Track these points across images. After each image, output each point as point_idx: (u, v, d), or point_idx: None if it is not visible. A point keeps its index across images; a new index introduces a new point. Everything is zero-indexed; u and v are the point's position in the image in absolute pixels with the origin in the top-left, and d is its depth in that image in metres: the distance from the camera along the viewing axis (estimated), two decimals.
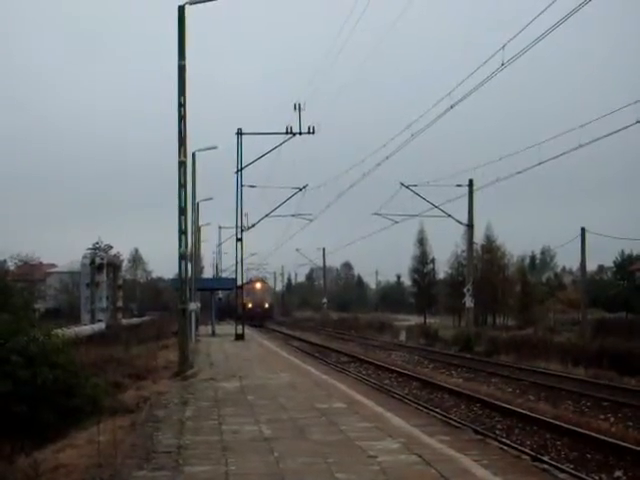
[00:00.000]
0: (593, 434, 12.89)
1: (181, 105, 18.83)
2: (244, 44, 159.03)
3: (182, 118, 18.85)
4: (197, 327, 38.77)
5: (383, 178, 41.16)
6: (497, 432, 13.89)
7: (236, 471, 7.60)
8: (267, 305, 77.63)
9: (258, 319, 67.64)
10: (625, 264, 71.75)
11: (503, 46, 18.28)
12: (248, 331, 42.43)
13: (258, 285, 78.35)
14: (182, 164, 19.06)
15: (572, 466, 10.73)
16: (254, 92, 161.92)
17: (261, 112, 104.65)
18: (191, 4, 18.76)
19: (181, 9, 18.71)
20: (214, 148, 33.78)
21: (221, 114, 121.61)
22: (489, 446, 9.49)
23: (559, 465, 10.15)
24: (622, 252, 74.30)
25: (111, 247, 49.76)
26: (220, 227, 65.18)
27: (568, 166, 61.15)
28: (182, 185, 19.14)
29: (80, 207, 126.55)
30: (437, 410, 15.94)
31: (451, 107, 22.53)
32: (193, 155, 30.57)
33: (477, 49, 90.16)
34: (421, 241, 74.91)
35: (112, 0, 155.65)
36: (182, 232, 19.24)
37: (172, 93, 18.82)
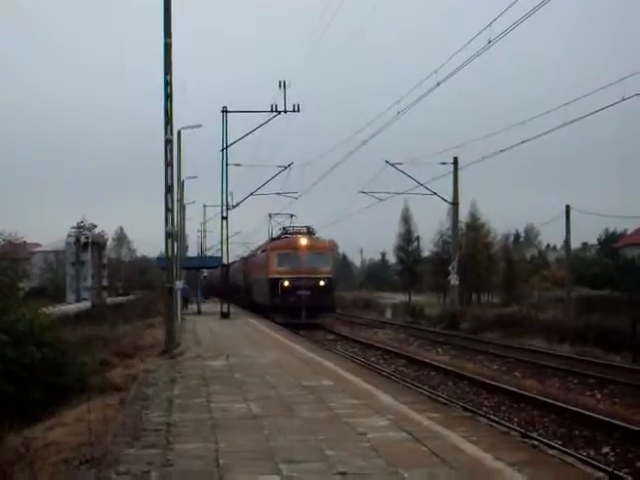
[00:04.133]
0: (580, 410, 13.06)
1: (167, 84, 18.71)
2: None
3: (168, 96, 18.72)
4: (186, 306, 40.70)
5: (369, 156, 41.48)
6: (485, 409, 14.07)
7: (226, 448, 7.59)
8: (324, 283, 35.52)
9: (306, 310, 34.41)
10: (609, 242, 72.51)
11: (490, 24, 17.86)
12: (234, 309, 42.39)
13: (308, 242, 36.44)
14: (168, 142, 19.00)
15: (560, 442, 10.88)
16: (242, 69, 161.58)
17: (249, 90, 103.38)
18: None
19: None
20: (198, 126, 33.54)
21: (207, 92, 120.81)
22: (478, 423, 9.62)
23: (548, 441, 10.28)
24: (606, 230, 75.17)
25: (95, 226, 47.81)
26: (205, 206, 64.14)
27: (554, 145, 61.51)
28: (168, 163, 19.06)
29: (64, 186, 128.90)
30: (424, 387, 16.17)
31: (437, 84, 22.87)
32: (178, 133, 30.40)
33: (465, 28, 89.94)
34: (406, 219, 74.89)
35: None
36: (168, 210, 19.12)
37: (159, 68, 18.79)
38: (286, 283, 34.24)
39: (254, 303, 43.38)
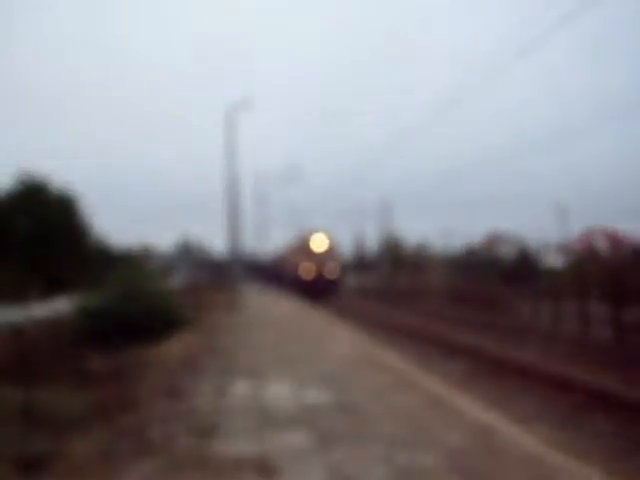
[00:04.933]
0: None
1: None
2: None
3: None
4: (245, 281, 60.63)
5: None
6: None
7: (264, 360, 14.32)
8: (332, 270, 50.12)
9: (319, 290, 48.05)
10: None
11: None
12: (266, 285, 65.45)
13: (320, 241, 51.11)
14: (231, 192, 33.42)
15: None
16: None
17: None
18: None
19: None
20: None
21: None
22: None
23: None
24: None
25: (189, 238, 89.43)
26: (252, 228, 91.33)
27: None
28: (233, 203, 34.36)
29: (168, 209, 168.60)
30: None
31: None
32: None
33: None
34: None
35: None
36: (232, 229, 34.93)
37: None
38: (303, 272, 51.20)
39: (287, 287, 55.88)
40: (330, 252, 50.45)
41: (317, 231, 52.17)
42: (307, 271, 49.81)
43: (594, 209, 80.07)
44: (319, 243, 50.42)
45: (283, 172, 56.94)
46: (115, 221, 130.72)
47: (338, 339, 18.00)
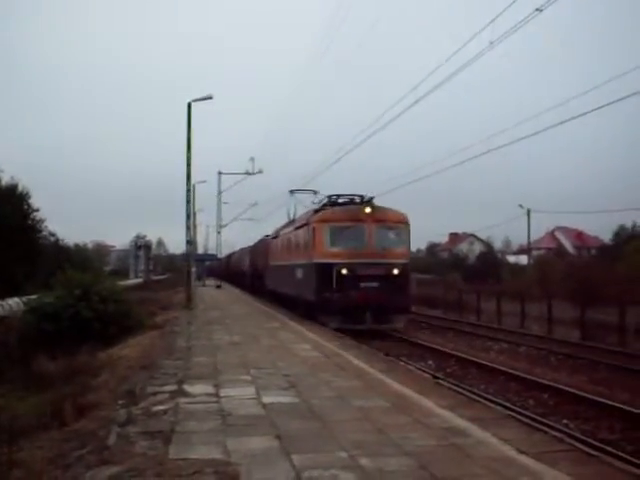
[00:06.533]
0: (416, 340, 20.11)
1: (188, 164, 31.02)
2: None
3: (189, 164, 30.84)
4: (201, 278, 69.17)
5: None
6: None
7: (221, 360, 14.00)
8: (398, 271, 23.65)
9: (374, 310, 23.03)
10: (432, 247, 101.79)
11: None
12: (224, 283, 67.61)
13: (378, 212, 24.38)
14: (188, 190, 30.94)
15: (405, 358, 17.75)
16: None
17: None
18: None
19: None
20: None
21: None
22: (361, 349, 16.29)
23: (398, 359, 16.96)
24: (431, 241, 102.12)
25: (145, 236, 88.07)
26: (207, 226, 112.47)
27: None
28: (188, 201, 31.22)
29: (125, 208, 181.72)
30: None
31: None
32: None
33: None
34: None
35: None
36: (187, 227, 31.81)
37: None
38: (345, 271, 22.91)
39: (274, 294, 34.99)
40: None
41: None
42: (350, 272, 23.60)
43: (559, 209, 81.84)
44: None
45: (244, 170, 60.79)
46: (71, 217, 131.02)
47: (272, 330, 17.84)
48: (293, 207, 33.49)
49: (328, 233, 23.55)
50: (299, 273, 26.43)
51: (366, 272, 22.82)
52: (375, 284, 22.87)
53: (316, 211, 26.03)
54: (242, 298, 43.21)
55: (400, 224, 24.31)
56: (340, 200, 26.57)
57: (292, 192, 32.93)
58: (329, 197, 27.01)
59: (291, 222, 31.67)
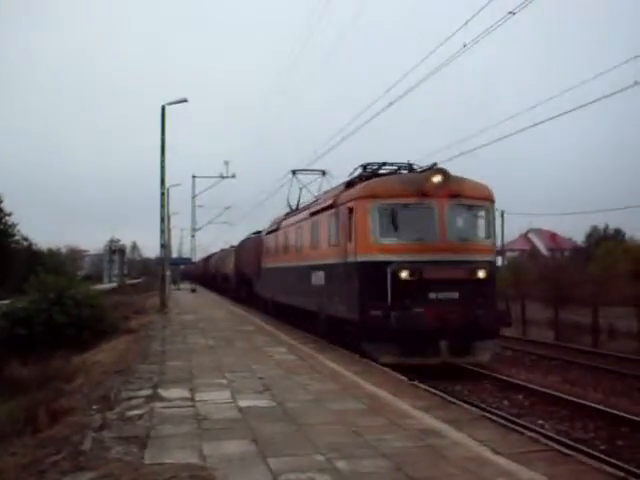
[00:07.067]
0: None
1: (162, 167, 31.17)
2: None
3: (163, 168, 31.07)
4: (176, 282, 68.00)
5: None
6: None
7: (196, 364, 14.08)
8: (484, 273, 15.03)
9: (452, 334, 14.48)
10: None
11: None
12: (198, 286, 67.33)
13: (453, 183, 15.42)
14: (162, 193, 31.32)
15: None
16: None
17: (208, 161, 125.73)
18: None
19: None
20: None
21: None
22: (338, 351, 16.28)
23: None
24: None
25: (119, 240, 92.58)
26: (182, 229, 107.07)
27: None
28: (162, 205, 31.70)
29: (98, 211, 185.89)
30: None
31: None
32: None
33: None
34: None
35: None
36: (162, 231, 32.24)
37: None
38: (405, 274, 14.70)
39: (274, 304, 27.10)
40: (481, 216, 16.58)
41: None
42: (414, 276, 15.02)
43: (533, 211, 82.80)
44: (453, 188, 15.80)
45: (218, 173, 60.60)
46: (44, 222, 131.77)
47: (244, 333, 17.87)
48: (298, 191, 26.51)
49: (377, 215, 15.28)
50: (320, 278, 18.70)
51: (439, 275, 14.82)
52: (454, 294, 14.91)
53: (348, 185, 17.77)
54: (217, 301, 43.44)
55: (485, 201, 16.20)
56: (382, 171, 17.80)
57: (294, 172, 26.91)
58: (364, 167, 18.20)
59: (296, 210, 25.00)
